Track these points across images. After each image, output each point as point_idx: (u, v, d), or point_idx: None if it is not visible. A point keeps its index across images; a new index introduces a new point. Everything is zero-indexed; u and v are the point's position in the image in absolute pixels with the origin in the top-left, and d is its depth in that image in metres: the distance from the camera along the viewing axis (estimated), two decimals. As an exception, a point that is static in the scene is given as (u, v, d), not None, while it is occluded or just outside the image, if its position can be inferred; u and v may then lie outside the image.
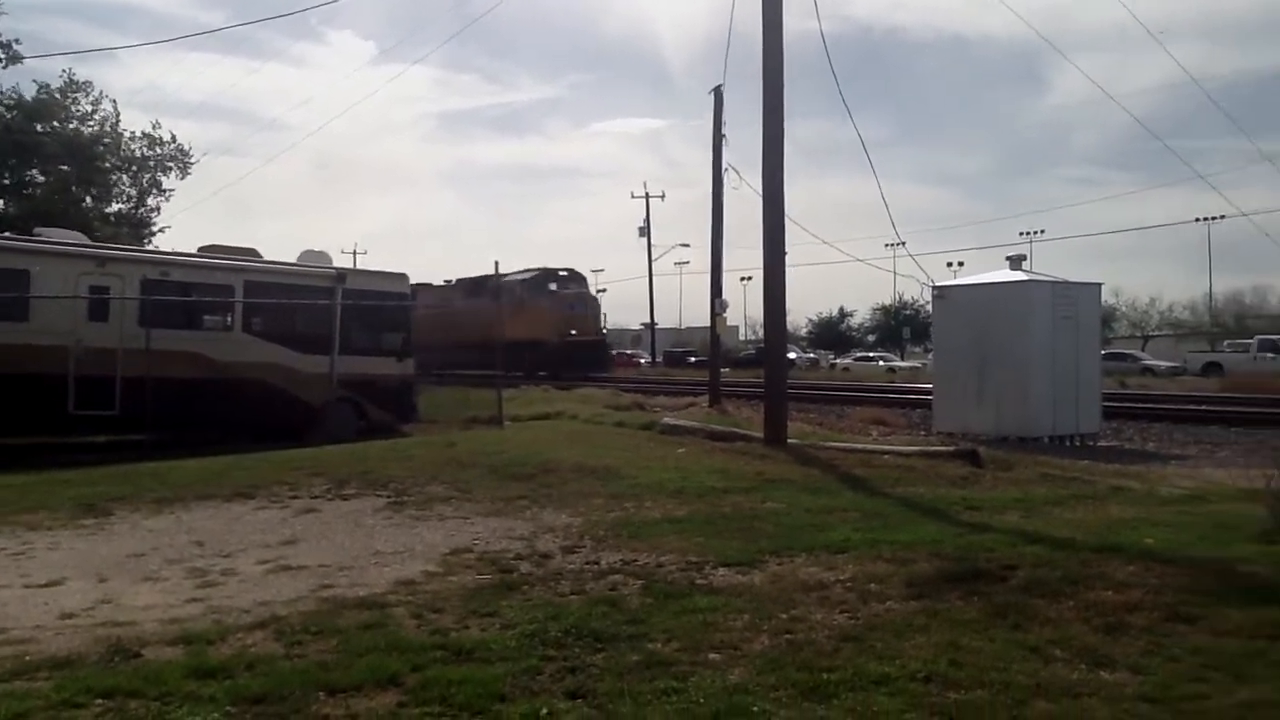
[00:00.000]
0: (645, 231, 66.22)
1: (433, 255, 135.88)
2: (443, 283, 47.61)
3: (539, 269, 44.33)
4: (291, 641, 5.03)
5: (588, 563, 6.76)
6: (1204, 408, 20.49)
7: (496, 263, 42.80)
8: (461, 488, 10.01)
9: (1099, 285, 17.28)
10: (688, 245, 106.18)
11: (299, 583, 6.38)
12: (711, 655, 4.72)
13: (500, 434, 15.59)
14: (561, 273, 44.07)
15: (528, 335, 39.25)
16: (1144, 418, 18.89)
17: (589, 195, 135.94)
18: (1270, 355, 42.63)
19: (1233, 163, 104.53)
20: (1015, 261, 17.06)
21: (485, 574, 6.47)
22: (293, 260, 18.81)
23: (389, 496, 9.75)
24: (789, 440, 12.91)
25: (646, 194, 66.73)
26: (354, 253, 77.09)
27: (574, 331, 41.09)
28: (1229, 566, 6.11)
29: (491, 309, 36.01)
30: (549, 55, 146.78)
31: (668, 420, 15.76)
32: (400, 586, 6.19)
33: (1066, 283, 16.60)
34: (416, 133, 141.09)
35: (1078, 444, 15.62)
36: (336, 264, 19.60)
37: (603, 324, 45.91)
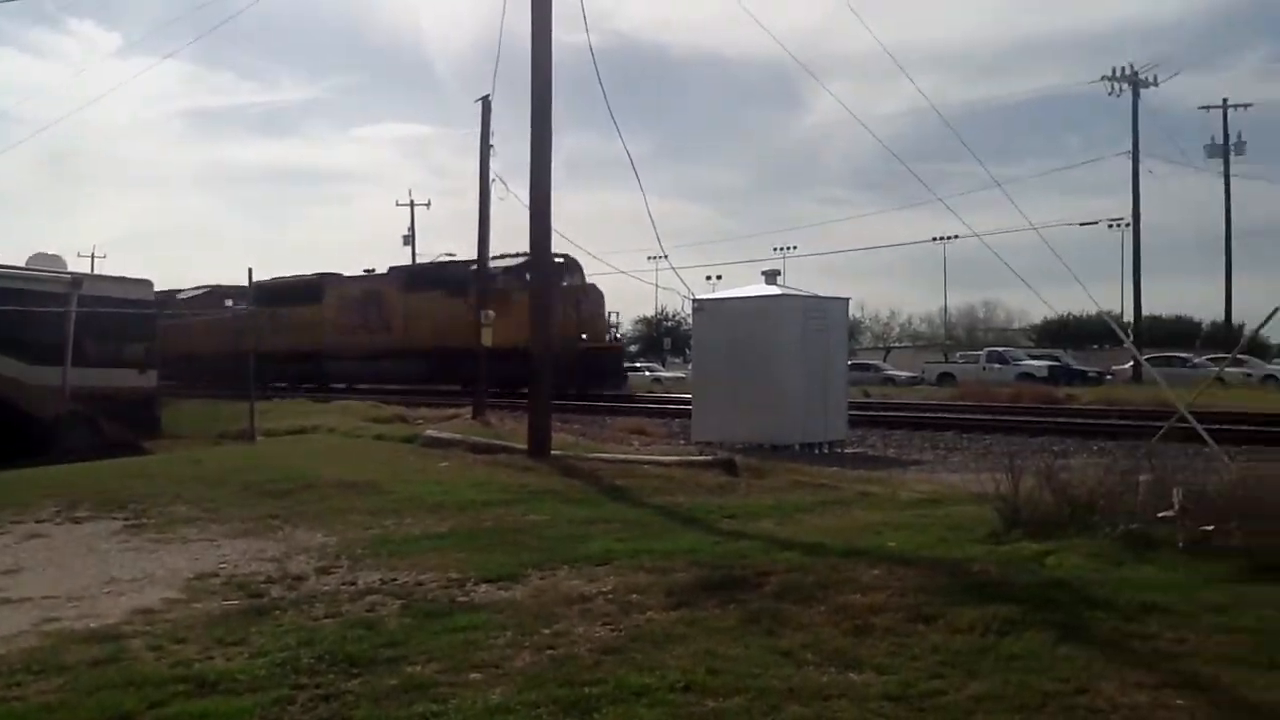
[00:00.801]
0: (410, 239, 65.06)
1: (183, 260, 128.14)
2: (364, 272, 40.31)
3: (521, 253, 37.52)
4: (9, 683, 4.58)
5: (344, 583, 6.51)
6: (939, 415, 21.98)
7: (473, 254, 32.97)
8: (208, 507, 9.46)
9: (846, 300, 18.34)
10: (453, 255, 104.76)
11: (20, 616, 5.84)
12: (472, 675, 4.64)
13: (252, 449, 14.87)
14: (557, 259, 35.66)
15: (517, 340, 27.88)
16: (886, 425, 20.09)
17: (352, 201, 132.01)
18: (998, 366, 46.33)
19: (968, 186, 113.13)
20: (770, 276, 17.82)
21: (233, 599, 6.13)
22: (21, 264, 17.36)
23: (127, 518, 9.11)
24: (553, 452, 12.93)
25: (411, 202, 65.65)
26: (92, 257, 71.69)
27: (584, 336, 32.01)
28: (963, 567, 6.54)
29: (453, 307, 30.49)
30: (311, 55, 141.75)
31: (430, 433, 15.48)
32: (137, 616, 5.78)
33: (818, 297, 17.46)
34: (166, 131, 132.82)
35: (827, 451, 16.42)
36: (72, 269, 18.23)
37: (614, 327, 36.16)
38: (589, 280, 33.93)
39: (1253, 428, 16.70)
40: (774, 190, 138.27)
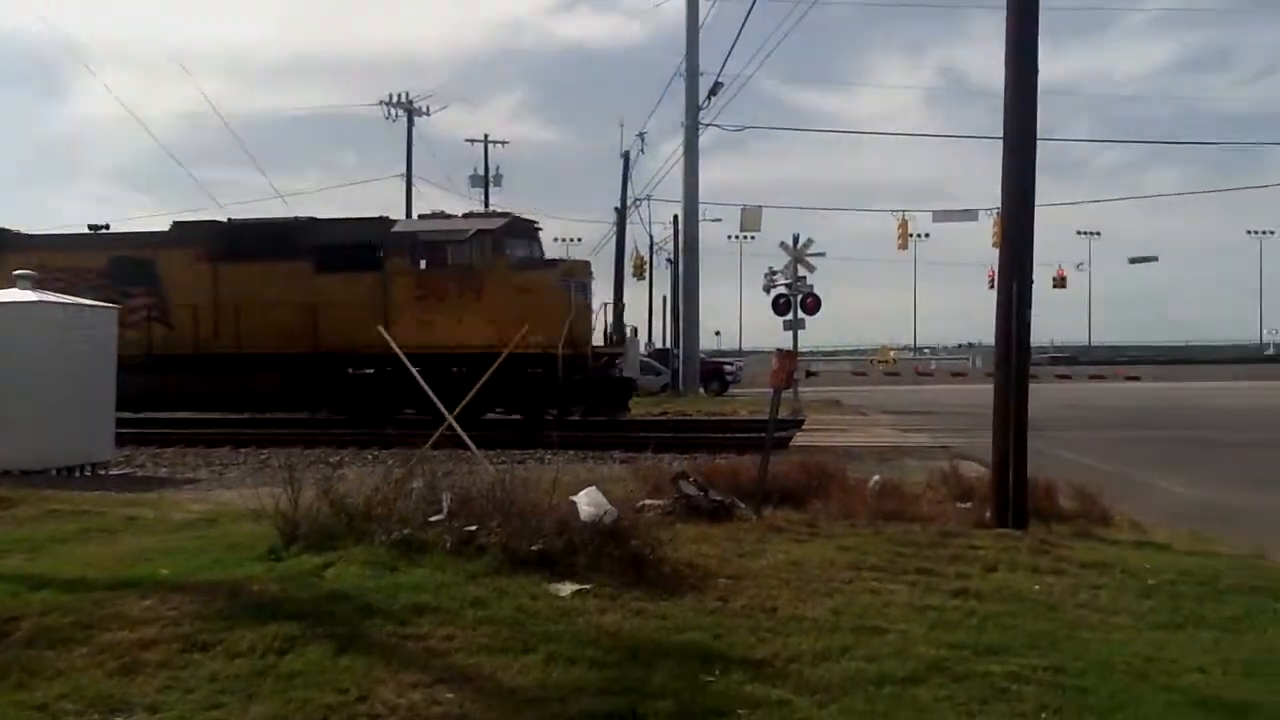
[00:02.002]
0: None
1: None
2: (89, 228, 26.10)
3: (493, 210, 27.09)
4: None
5: None
6: (212, 430, 21.26)
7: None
8: None
9: (115, 309, 16.85)
10: None
11: None
12: None
13: None
14: (536, 225, 24.97)
15: (491, 341, 19.81)
16: (156, 442, 18.92)
17: None
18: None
19: (249, 194, 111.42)
20: (30, 280, 15.67)
21: None
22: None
23: None
24: None
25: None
26: None
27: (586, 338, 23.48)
28: (242, 587, 6.38)
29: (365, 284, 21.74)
30: None
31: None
32: None
33: (81, 305, 15.86)
34: None
35: (89, 474, 14.99)
36: None
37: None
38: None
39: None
40: (39, 184, 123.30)
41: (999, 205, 9.82)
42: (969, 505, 9.64)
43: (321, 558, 7.18)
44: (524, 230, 23.78)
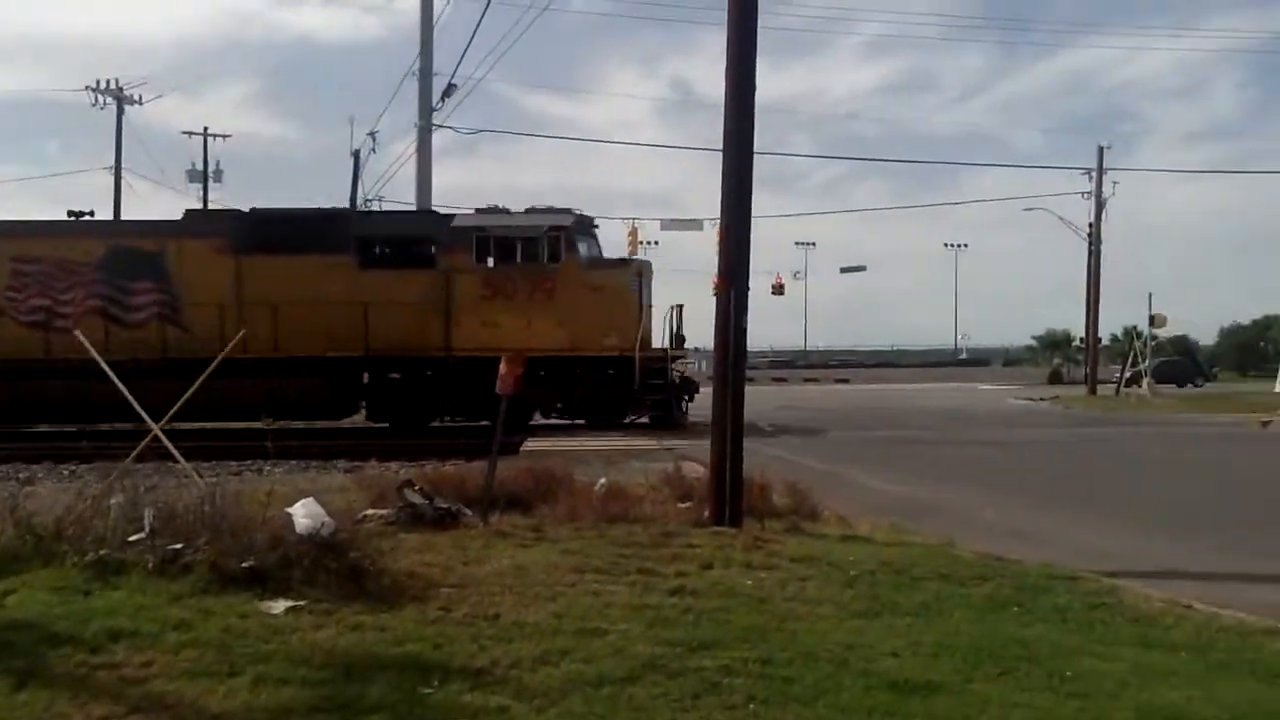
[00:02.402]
0: None
1: None
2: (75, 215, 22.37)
3: (553, 207, 22.27)
4: None
5: None
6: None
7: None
8: None
9: None
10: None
11: None
12: None
13: None
14: (595, 223, 22.78)
15: (561, 345, 20.55)
16: None
17: None
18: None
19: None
20: None
21: None
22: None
23: None
24: None
25: None
26: None
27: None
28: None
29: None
30: None
31: None
32: None
33: None
34: None
35: None
36: None
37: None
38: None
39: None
40: None
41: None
42: (689, 505, 9.98)
43: (3, 584, 6.56)
44: (589, 227, 22.70)
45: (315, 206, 22.62)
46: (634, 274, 22.25)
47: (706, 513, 9.51)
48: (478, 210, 22.32)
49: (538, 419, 21.93)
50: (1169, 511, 12.09)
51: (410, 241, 21.94)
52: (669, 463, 12.42)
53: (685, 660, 5.31)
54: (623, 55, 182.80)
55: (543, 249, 21.26)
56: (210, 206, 25.55)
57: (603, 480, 11.04)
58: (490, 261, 21.32)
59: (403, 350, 20.90)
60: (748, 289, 9.91)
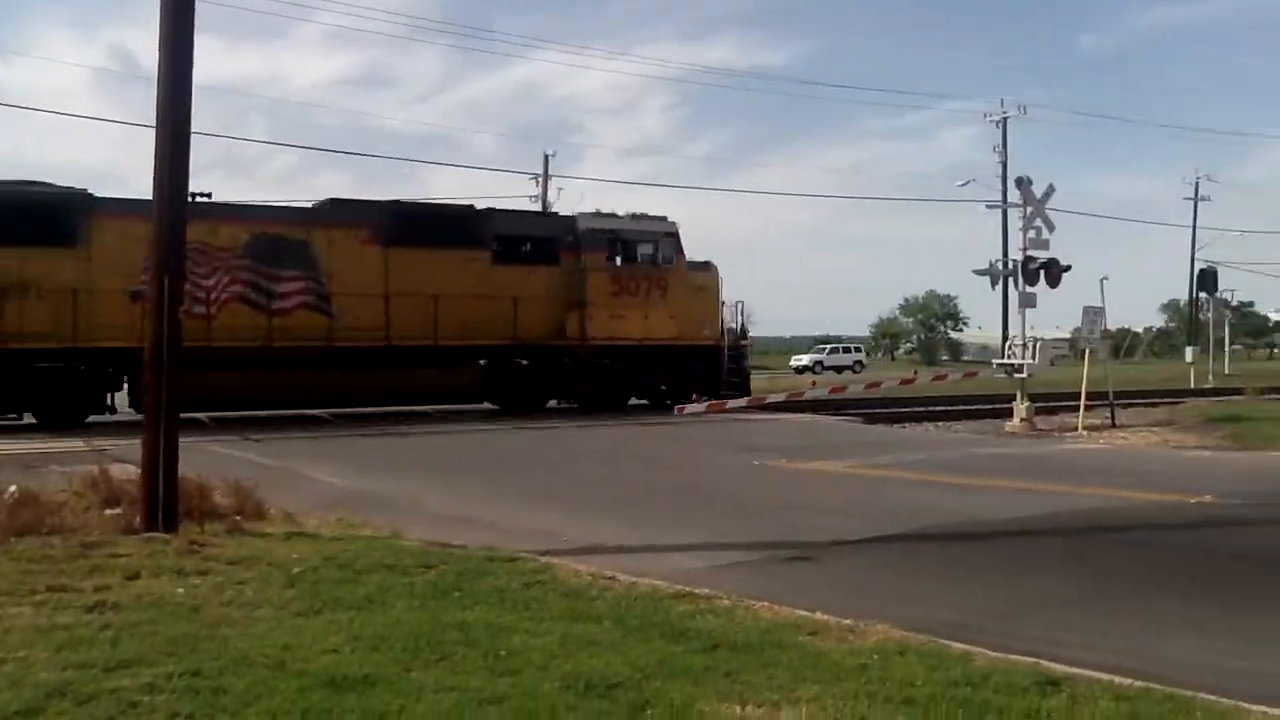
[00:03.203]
0: None
1: None
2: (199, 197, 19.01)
3: (649, 213, 25.26)
4: None
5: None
6: None
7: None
8: None
9: None
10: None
11: None
12: None
13: None
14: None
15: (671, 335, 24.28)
16: None
17: None
18: None
19: None
20: None
21: None
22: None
23: None
24: None
25: None
26: None
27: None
28: None
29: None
30: None
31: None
32: None
33: None
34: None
35: None
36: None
37: None
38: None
39: None
40: None
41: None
42: (119, 511, 9.13)
43: None
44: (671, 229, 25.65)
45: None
46: (717, 275, 25.94)
47: (138, 518, 8.76)
48: (597, 213, 25.08)
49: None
50: (603, 493, 13.21)
51: (544, 240, 24.09)
52: (96, 465, 11.26)
53: (100, 682, 4.82)
54: (53, 17, 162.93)
55: (660, 250, 24.71)
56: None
57: (13, 488, 9.73)
58: (619, 260, 24.36)
59: (541, 339, 23.25)
60: (184, 278, 9.27)
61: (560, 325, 23.60)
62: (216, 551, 7.74)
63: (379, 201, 22.99)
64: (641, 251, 24.67)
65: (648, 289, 24.44)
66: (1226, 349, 57.53)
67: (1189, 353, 49.96)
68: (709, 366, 25.41)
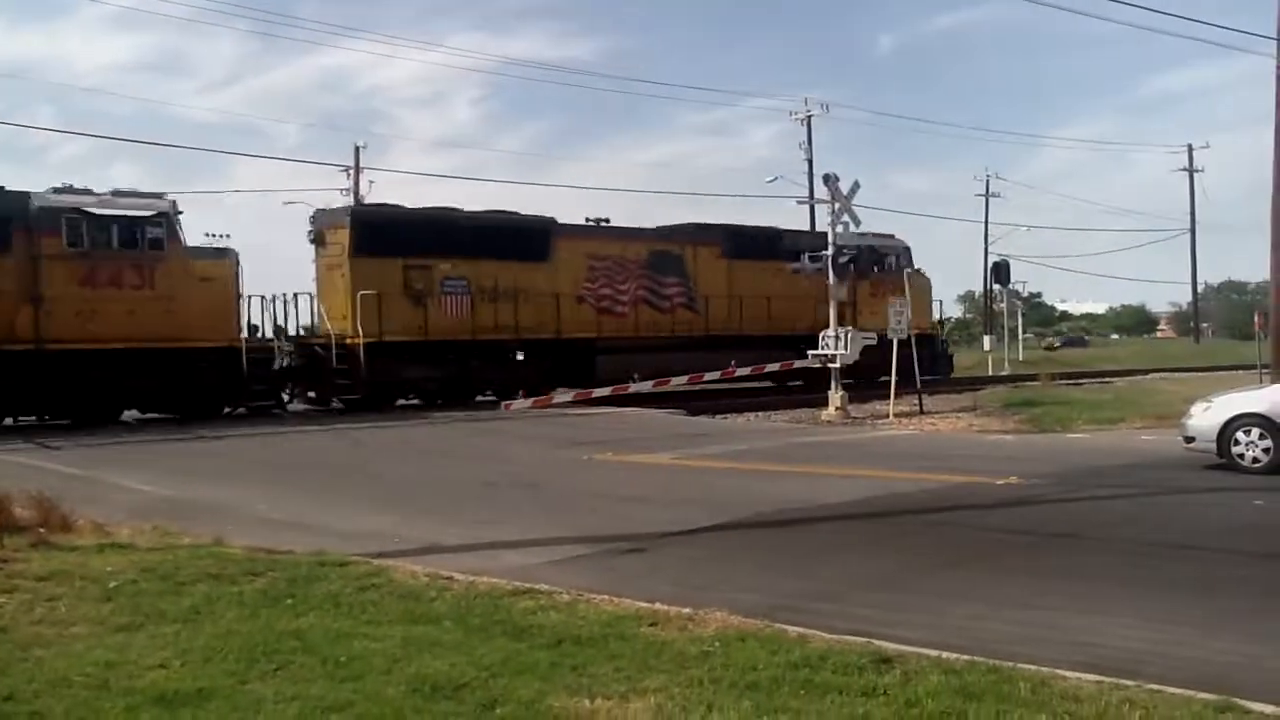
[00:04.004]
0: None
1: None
2: (593, 222, 28.36)
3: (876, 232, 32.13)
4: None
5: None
6: None
7: None
8: None
9: None
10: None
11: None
12: None
13: None
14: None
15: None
16: None
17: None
18: None
19: None
20: None
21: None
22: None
23: None
24: None
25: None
26: None
27: None
28: None
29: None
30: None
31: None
32: None
33: None
34: None
35: None
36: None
37: None
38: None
39: None
40: None
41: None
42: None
43: None
44: None
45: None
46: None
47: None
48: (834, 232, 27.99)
49: None
50: (434, 492, 13.03)
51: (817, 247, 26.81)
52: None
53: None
54: None
55: (900, 261, 32.19)
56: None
57: None
58: (876, 270, 31.49)
59: (811, 330, 26.65)
60: None
61: None
62: (21, 568, 7.24)
63: (722, 225, 30.56)
64: (889, 263, 32.11)
65: (891, 292, 28.45)
66: (1020, 338, 61.20)
67: (986, 341, 52.83)
68: (912, 352, 26.19)
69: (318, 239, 24.76)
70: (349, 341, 23.28)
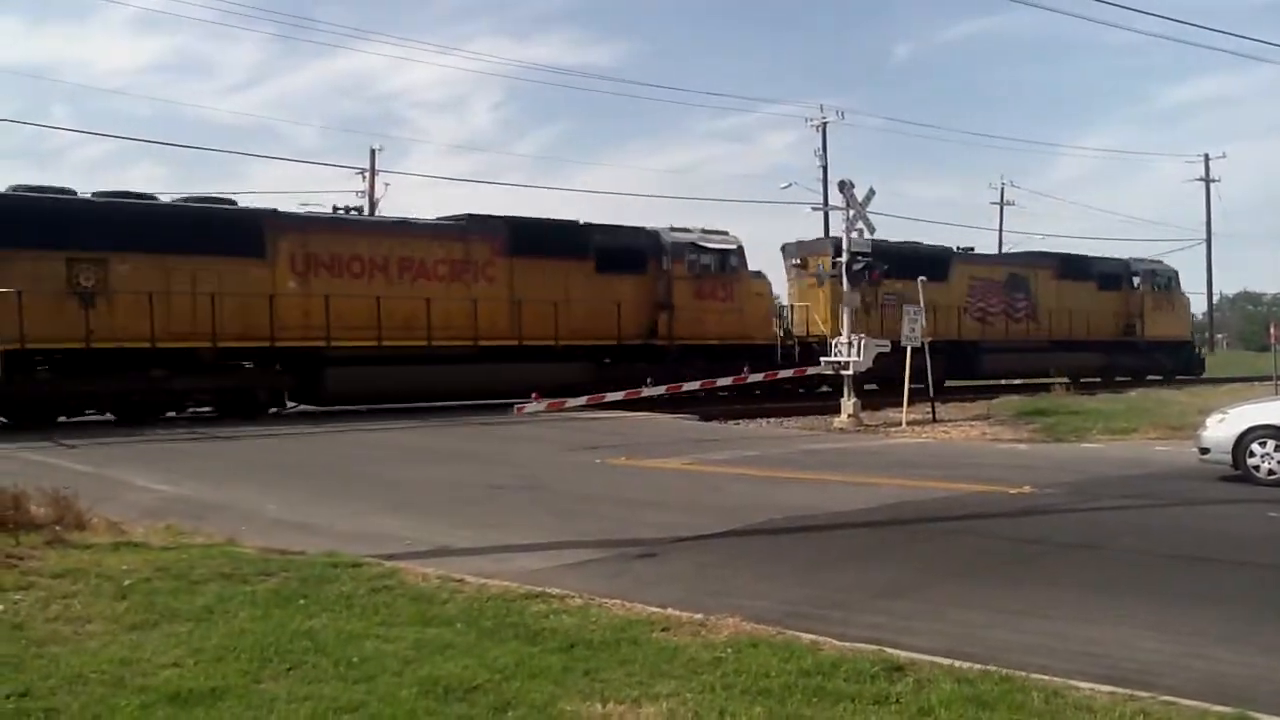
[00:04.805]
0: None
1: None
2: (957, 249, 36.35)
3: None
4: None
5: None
6: None
7: None
8: None
9: None
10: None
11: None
12: None
13: None
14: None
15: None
16: None
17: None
18: None
19: None
20: None
21: None
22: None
23: None
24: None
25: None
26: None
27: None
28: None
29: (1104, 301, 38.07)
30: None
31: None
32: None
33: None
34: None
35: None
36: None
37: None
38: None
39: None
40: None
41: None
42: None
43: None
44: None
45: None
46: None
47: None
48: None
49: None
50: (446, 495, 13.06)
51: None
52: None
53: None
54: None
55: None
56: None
57: None
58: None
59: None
60: None
61: None
62: (38, 565, 7.29)
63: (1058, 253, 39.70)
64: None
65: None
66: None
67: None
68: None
69: None
70: None
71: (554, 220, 27.56)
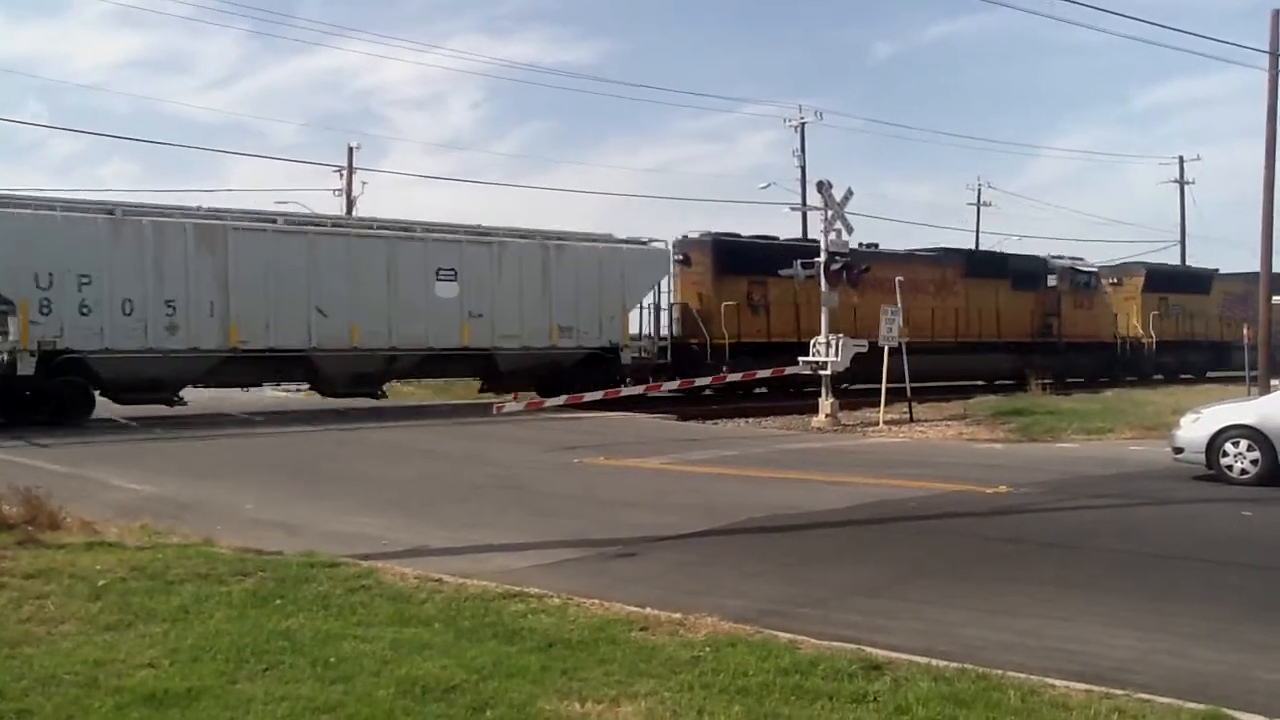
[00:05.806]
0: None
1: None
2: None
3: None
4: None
5: None
6: None
7: None
8: None
9: None
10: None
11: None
12: None
13: None
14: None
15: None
16: None
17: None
18: None
19: None
20: None
21: None
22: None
23: None
24: None
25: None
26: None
27: None
28: None
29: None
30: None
31: None
32: None
33: None
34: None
35: None
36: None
37: None
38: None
39: None
40: None
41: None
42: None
43: None
44: None
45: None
46: None
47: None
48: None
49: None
50: (422, 494, 13.00)
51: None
52: None
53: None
54: None
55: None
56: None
57: None
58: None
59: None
60: None
61: None
62: (9, 565, 7.21)
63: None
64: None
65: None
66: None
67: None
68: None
69: None
70: None
71: (995, 252, 42.01)
